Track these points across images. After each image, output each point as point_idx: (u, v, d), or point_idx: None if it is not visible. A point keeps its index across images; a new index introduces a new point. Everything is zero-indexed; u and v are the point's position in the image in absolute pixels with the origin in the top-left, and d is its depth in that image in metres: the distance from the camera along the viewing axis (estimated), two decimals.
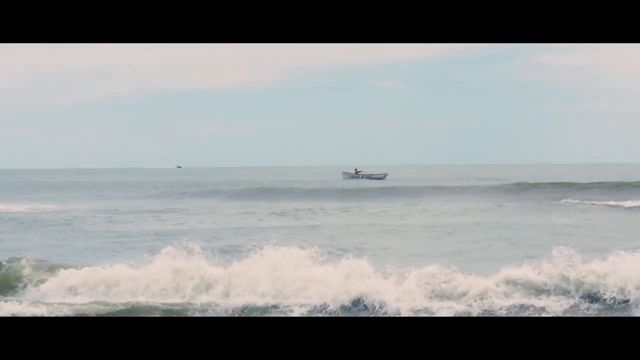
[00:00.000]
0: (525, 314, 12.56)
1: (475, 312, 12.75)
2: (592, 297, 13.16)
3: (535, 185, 55.96)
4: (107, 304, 13.42)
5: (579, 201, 43.18)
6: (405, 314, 12.66)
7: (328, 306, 13.16)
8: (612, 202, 41.20)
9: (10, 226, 31.80)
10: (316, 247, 14.53)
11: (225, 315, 12.79)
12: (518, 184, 58.48)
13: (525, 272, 13.58)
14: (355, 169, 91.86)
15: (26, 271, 15.59)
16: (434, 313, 12.67)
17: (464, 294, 13.18)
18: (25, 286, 15.20)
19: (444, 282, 13.48)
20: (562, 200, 43.45)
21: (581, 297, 13.15)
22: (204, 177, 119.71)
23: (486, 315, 12.62)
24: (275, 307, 13.22)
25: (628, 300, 13.01)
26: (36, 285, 15.15)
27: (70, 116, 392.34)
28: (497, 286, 13.30)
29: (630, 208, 38.52)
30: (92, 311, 13.02)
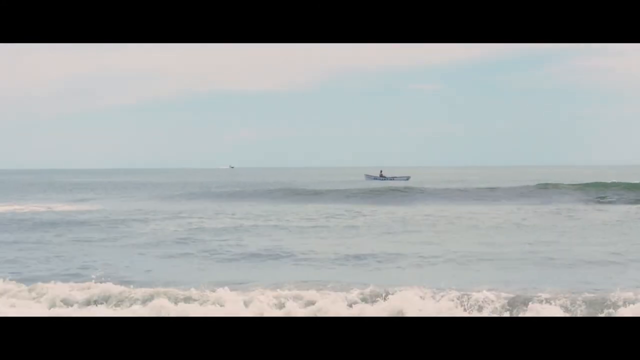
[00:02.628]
0: None
1: None
2: None
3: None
4: None
5: None
6: None
7: None
8: None
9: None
10: None
11: (225, 316, 12.79)
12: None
13: None
14: (381, 171, 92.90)
15: None
16: None
17: None
18: None
19: None
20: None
21: None
22: (262, 177, 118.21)
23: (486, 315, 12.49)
24: None
25: None
26: None
27: (112, 117, 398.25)
28: None
29: None
30: None
